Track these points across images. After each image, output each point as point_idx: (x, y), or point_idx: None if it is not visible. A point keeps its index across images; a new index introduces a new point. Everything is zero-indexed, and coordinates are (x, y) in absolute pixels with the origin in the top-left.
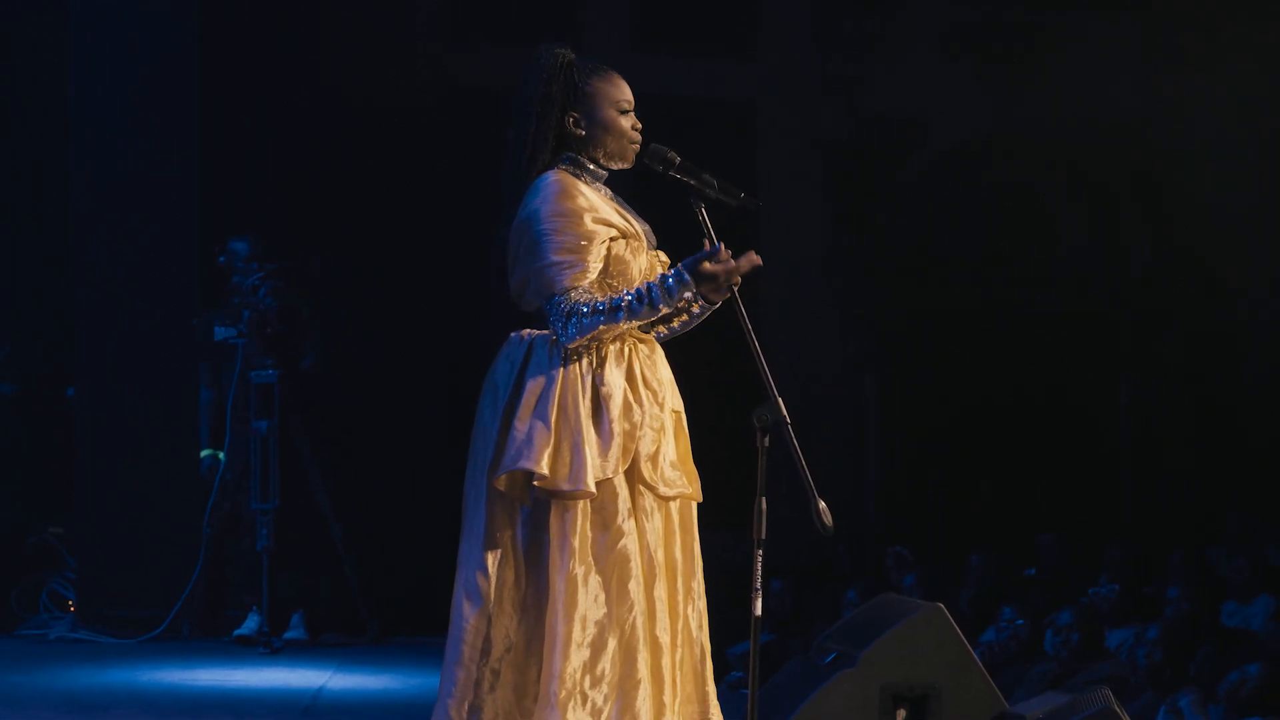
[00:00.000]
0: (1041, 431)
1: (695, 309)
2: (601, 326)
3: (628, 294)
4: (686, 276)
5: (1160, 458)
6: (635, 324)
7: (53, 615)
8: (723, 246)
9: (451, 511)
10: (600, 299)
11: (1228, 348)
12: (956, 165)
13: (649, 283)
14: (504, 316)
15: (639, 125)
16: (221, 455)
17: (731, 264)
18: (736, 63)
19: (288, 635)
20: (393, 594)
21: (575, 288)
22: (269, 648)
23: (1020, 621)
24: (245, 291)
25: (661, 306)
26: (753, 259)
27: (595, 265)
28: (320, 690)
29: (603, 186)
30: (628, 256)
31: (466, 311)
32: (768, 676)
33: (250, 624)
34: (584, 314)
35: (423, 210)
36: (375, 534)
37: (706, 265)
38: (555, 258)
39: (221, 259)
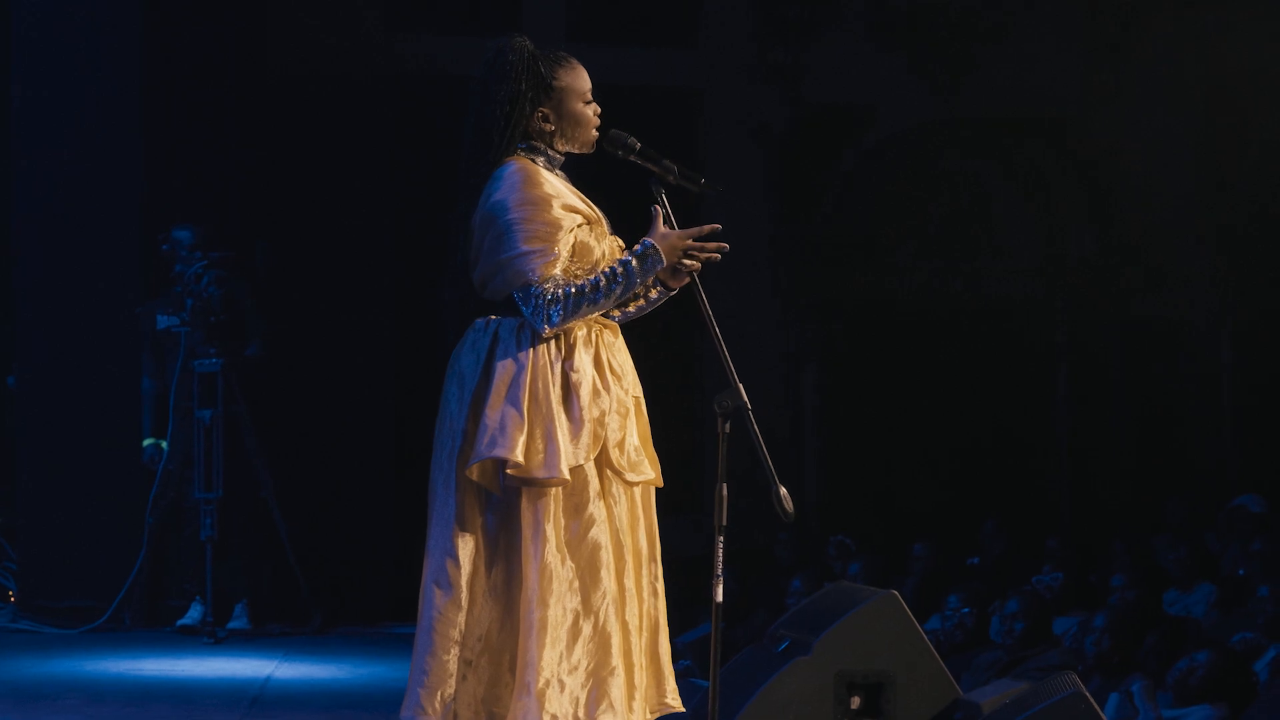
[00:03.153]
0: (981, 421)
1: (653, 294)
2: (583, 309)
3: (602, 274)
4: (651, 243)
5: (1098, 446)
6: (611, 305)
7: None
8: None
9: (396, 501)
10: (578, 283)
11: (1165, 336)
12: (897, 154)
13: (622, 260)
14: (455, 304)
15: (599, 110)
16: (164, 444)
17: (696, 231)
18: (677, 51)
19: (231, 625)
20: (336, 584)
21: (549, 277)
22: (213, 638)
23: (966, 610)
24: (188, 280)
25: (637, 280)
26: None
27: (565, 253)
28: (267, 680)
29: (560, 171)
30: (591, 242)
31: (414, 300)
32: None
33: (193, 614)
34: (564, 299)
35: (368, 197)
36: (319, 524)
37: (666, 229)
38: (526, 247)
39: (165, 247)
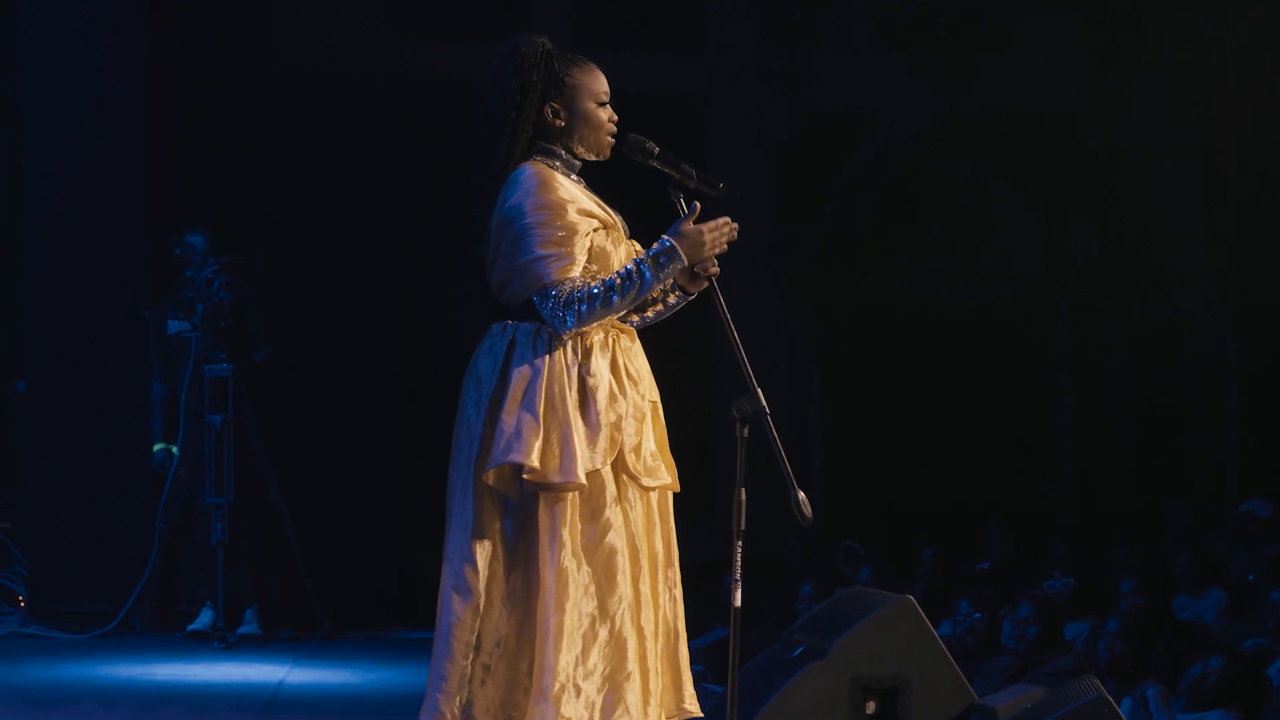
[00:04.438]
0: (984, 422)
1: (671, 299)
2: (599, 310)
3: (617, 275)
4: (669, 241)
5: (1101, 448)
6: (629, 304)
7: (2, 611)
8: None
9: (399, 503)
10: (593, 285)
11: (1168, 337)
12: (900, 157)
13: (637, 259)
14: (472, 308)
15: (615, 117)
16: (174, 449)
17: (714, 223)
18: (681, 57)
19: (241, 630)
20: (347, 588)
21: (565, 279)
22: (223, 643)
23: (978, 615)
24: (199, 285)
25: (651, 280)
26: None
27: (581, 257)
28: (280, 685)
29: (578, 178)
30: (609, 248)
31: (414, 300)
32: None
33: (204, 619)
34: (580, 301)
35: (368, 198)
36: (329, 528)
37: (687, 225)
38: (541, 251)
39: (178, 251)
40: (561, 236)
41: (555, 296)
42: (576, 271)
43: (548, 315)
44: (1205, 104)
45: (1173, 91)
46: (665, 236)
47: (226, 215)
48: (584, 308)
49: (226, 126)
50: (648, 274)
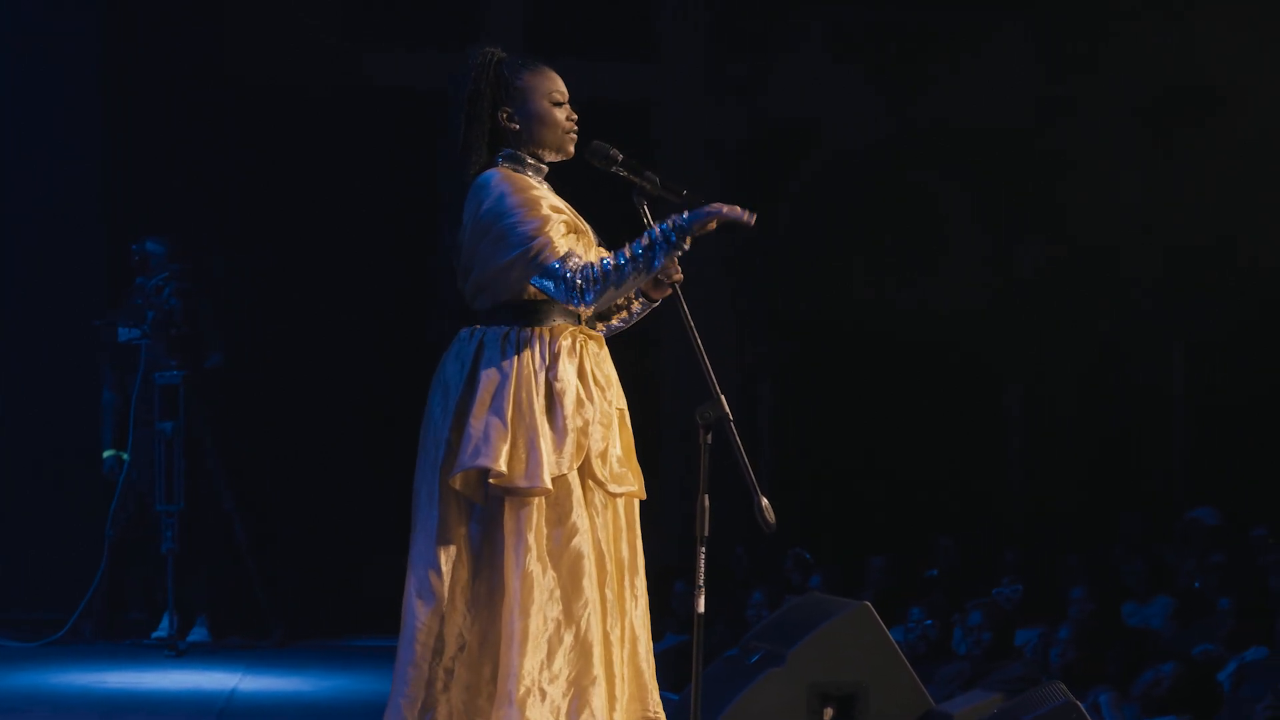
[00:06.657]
0: (935, 434)
1: (635, 306)
2: (620, 283)
3: (636, 244)
4: (688, 220)
5: (1052, 460)
6: (641, 278)
7: None
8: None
9: (358, 513)
10: (606, 256)
11: (1118, 350)
12: (851, 168)
13: (651, 231)
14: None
15: (574, 116)
16: (125, 456)
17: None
18: (632, 64)
19: (191, 638)
20: (298, 597)
21: (570, 253)
22: (174, 650)
23: (929, 622)
24: (149, 292)
25: (664, 255)
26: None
27: (563, 244)
28: (233, 693)
29: (545, 182)
30: (579, 251)
31: (377, 311)
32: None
33: (165, 626)
34: (601, 272)
35: (329, 207)
36: (280, 536)
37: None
38: (535, 240)
39: (137, 257)
40: (544, 226)
41: (568, 263)
42: (566, 250)
43: (560, 288)
44: (1158, 119)
45: (1126, 106)
46: (684, 215)
47: (188, 221)
48: (610, 272)
49: (187, 133)
50: (658, 248)
